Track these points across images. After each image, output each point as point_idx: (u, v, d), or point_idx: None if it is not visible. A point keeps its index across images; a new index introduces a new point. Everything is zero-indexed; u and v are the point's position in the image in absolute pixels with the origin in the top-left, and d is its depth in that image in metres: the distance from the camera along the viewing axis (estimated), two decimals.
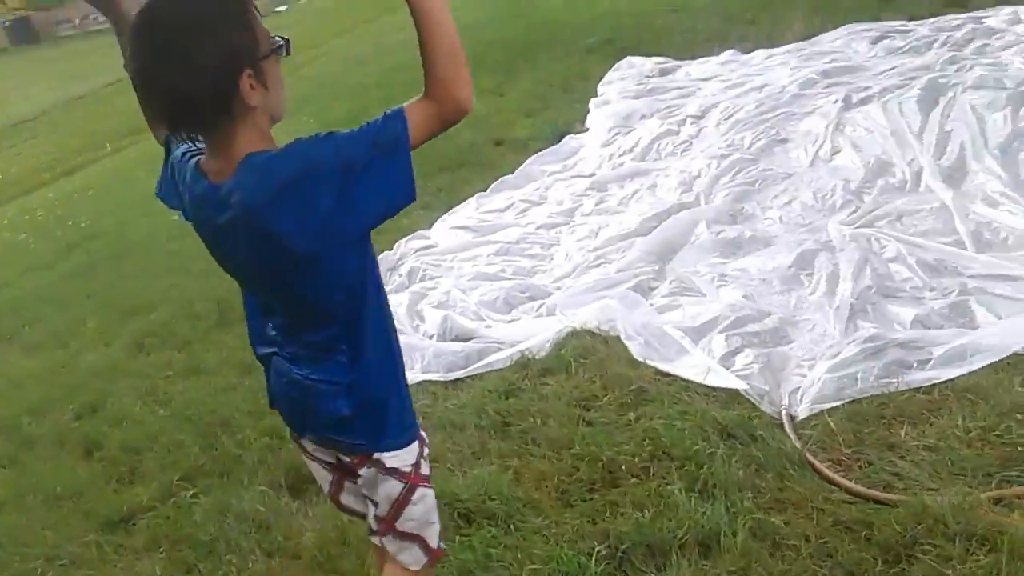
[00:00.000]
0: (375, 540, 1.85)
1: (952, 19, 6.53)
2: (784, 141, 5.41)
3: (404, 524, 1.77)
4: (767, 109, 6.12)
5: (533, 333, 3.66)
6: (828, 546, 2.28)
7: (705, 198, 4.84)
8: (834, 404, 2.86)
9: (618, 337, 3.47)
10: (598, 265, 4.26)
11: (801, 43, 7.62)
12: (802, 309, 3.49)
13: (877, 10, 7.46)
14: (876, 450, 2.63)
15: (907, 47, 6.21)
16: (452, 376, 3.53)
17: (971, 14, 6.50)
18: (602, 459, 2.73)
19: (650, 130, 6.24)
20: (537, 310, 3.94)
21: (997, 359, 2.86)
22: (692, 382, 3.03)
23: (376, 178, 1.46)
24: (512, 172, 5.90)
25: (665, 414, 2.87)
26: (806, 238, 4.00)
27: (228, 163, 1.51)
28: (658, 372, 3.15)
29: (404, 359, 1.80)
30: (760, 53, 7.75)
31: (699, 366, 3.12)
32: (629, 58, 8.27)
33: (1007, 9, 6.30)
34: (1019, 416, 2.61)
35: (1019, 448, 2.49)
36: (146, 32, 1.45)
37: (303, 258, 1.54)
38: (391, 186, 1.48)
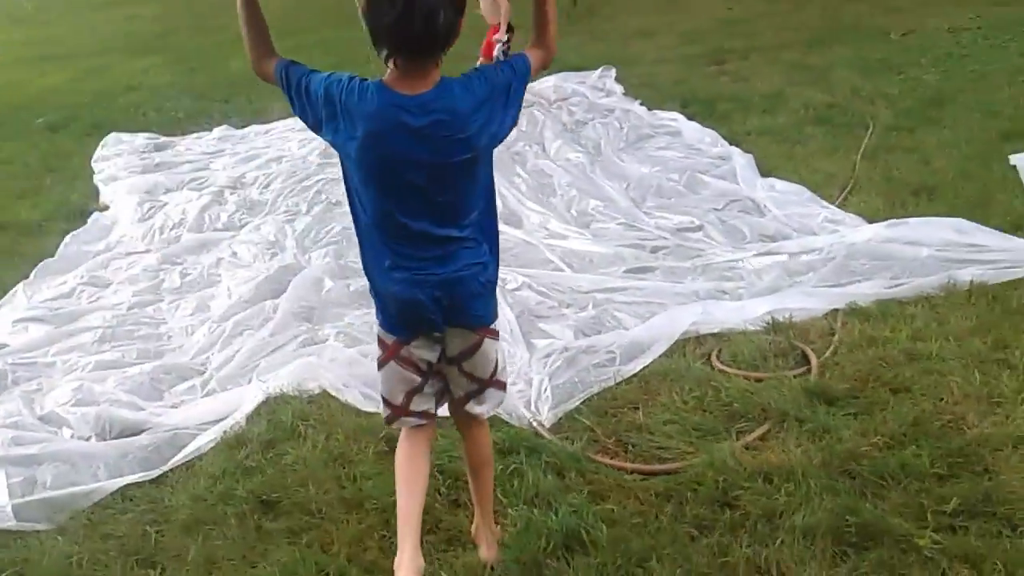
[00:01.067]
0: (467, 410, 2.33)
1: None
2: (338, 203, 5.61)
3: (501, 375, 2.33)
4: (303, 176, 6.33)
5: (228, 410, 3.32)
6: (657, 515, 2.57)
7: (303, 257, 4.86)
8: (571, 406, 3.18)
9: (326, 392, 3.35)
10: (241, 333, 4.00)
11: (288, 119, 7.93)
12: None
13: None
14: (631, 433, 3.01)
15: None
16: (155, 473, 3.02)
17: None
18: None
19: (188, 200, 5.97)
20: (204, 388, 3.57)
21: (669, 344, 3.48)
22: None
23: (515, 97, 2.11)
24: (51, 256, 5.15)
25: (440, 447, 2.88)
26: None
27: (425, 83, 2.00)
28: None
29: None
30: (254, 128, 7.89)
31: None
32: (115, 134, 7.74)
33: None
34: (712, 383, 3.23)
35: (729, 406, 3.09)
36: None
37: (480, 154, 2.07)
38: (518, 105, 2.13)
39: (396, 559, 2.16)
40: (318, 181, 6.18)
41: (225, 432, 3.19)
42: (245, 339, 3.95)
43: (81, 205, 6.09)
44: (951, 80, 7.09)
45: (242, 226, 5.54)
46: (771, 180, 5.31)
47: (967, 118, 6.08)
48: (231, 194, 6.15)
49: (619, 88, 7.95)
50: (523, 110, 2.23)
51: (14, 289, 4.71)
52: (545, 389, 3.28)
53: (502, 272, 2.63)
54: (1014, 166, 5.01)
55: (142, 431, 3.27)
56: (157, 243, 5.38)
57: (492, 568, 2.42)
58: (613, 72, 8.41)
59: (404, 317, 2.19)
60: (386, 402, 2.30)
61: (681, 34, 10.27)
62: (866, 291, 3.77)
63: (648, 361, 3.40)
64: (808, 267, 4.15)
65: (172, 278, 4.78)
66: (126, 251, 5.25)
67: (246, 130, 7.91)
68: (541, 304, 4.10)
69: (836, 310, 3.70)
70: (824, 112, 6.66)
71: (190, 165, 6.98)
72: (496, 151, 2.14)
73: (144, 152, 7.38)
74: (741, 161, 5.55)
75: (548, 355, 3.50)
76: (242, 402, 3.36)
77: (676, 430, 3.00)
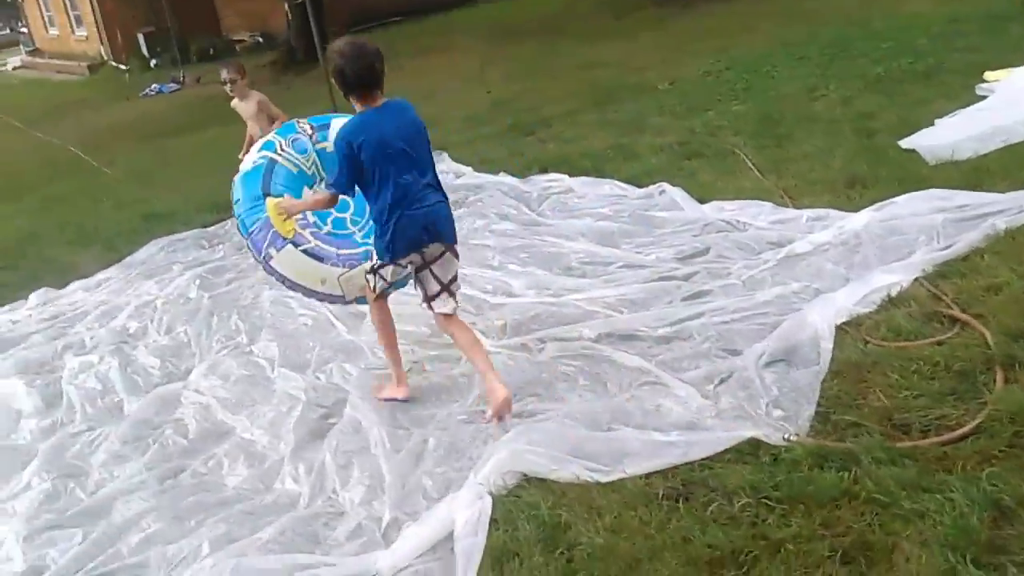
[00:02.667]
0: (431, 304, 3.78)
1: None
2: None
3: (454, 285, 3.77)
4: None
5: (442, 531, 2.81)
6: None
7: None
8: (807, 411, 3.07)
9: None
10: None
11: (112, 268, 7.05)
12: None
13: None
14: (893, 417, 2.96)
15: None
16: None
17: None
18: None
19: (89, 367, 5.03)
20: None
21: (831, 338, 3.50)
22: None
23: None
24: None
25: None
26: None
27: (377, 103, 3.59)
28: None
29: None
30: (76, 284, 6.86)
31: None
32: None
33: None
34: (909, 358, 3.28)
35: (948, 369, 3.16)
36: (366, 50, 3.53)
37: (422, 131, 3.69)
38: None
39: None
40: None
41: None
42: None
43: None
44: (762, 106, 7.91)
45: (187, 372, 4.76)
46: (714, 203, 5.55)
47: (815, 127, 6.81)
48: (131, 348, 5.27)
49: (465, 169, 7.93)
50: None
51: None
52: (767, 404, 3.14)
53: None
54: (910, 149, 5.67)
55: None
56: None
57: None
58: (445, 155, 8.38)
59: (413, 241, 3.64)
60: (385, 282, 3.84)
61: (463, 119, 10.49)
62: (932, 258, 4.04)
63: (828, 357, 3.37)
64: (843, 256, 4.37)
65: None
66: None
67: (68, 289, 6.83)
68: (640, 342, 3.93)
69: (918, 279, 3.92)
70: (684, 149, 7.11)
71: (40, 336, 5.86)
72: None
73: None
74: (678, 192, 5.74)
75: (729, 376, 3.35)
76: (454, 517, 2.85)
77: (931, 400, 2.99)
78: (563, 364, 3.88)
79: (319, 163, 4.53)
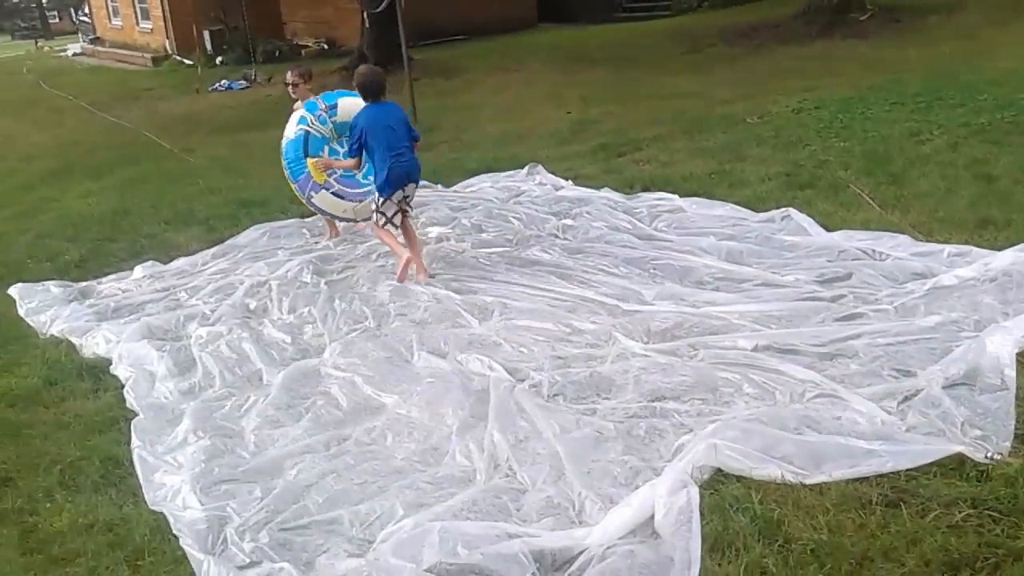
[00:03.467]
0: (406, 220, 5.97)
1: None
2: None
3: (407, 204, 5.93)
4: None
5: (643, 514, 2.81)
6: None
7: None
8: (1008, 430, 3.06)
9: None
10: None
11: (216, 248, 7.13)
12: None
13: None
14: None
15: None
16: None
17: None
18: None
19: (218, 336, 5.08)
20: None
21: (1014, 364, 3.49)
22: None
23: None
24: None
25: None
26: None
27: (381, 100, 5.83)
28: None
29: None
30: (183, 261, 6.92)
31: None
32: (24, 286, 6.36)
33: None
34: None
35: None
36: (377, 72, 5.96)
37: (404, 116, 5.95)
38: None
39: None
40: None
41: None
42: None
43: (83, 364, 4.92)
44: (866, 144, 7.93)
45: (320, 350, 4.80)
46: (843, 232, 5.57)
47: (927, 169, 6.83)
48: (257, 324, 5.32)
49: (564, 181, 7.99)
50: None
51: None
52: (962, 423, 3.13)
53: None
54: None
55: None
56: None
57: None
58: (540, 167, 8.45)
59: (399, 180, 5.73)
60: (386, 218, 5.83)
61: (548, 136, 10.58)
62: None
63: (1013, 382, 3.37)
64: (997, 292, 4.37)
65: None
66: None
67: (174, 264, 6.89)
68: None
69: None
70: (793, 179, 7.15)
71: (156, 305, 5.92)
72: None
73: (76, 299, 6.15)
74: (804, 218, 5.76)
75: (913, 394, 3.35)
76: (656, 502, 2.85)
77: None
78: (722, 371, 3.89)
79: (333, 130, 6.76)
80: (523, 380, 4.10)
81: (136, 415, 4.18)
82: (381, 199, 5.79)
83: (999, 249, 4.88)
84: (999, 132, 7.69)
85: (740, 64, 14.19)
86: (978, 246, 5.05)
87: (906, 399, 3.40)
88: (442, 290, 5.46)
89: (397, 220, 5.90)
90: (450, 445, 3.58)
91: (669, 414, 3.57)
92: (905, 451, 3.00)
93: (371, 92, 5.75)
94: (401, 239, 5.95)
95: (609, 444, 3.40)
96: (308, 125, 6.72)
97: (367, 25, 16.53)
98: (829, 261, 5.13)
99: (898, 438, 3.12)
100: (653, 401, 3.71)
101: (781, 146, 8.44)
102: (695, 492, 2.86)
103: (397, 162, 5.70)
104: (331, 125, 6.74)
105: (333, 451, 3.65)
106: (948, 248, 5.02)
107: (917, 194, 6.29)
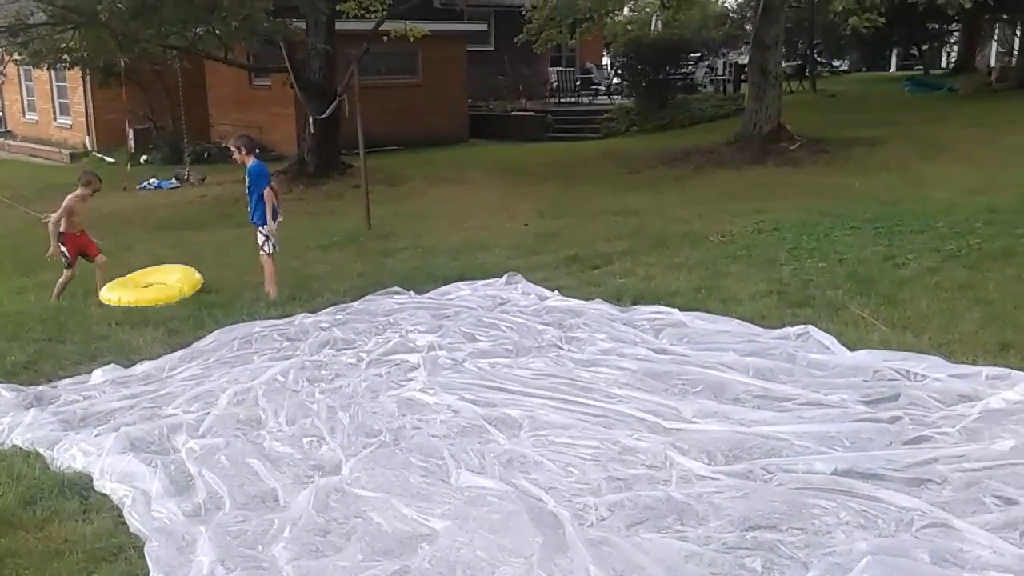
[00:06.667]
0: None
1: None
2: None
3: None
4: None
5: None
6: None
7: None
8: None
9: None
10: None
11: (181, 351, 6.62)
12: None
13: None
14: None
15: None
16: None
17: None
18: None
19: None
20: None
21: None
22: None
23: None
24: None
25: None
26: None
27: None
28: None
29: None
30: (148, 365, 6.34)
31: None
32: None
33: None
34: None
35: None
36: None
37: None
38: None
39: None
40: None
41: None
42: None
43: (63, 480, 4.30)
44: (844, 266, 8.01)
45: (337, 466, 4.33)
46: (869, 351, 5.47)
47: (917, 292, 6.89)
48: (255, 436, 4.81)
49: (549, 292, 7.77)
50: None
51: None
52: None
53: None
54: None
55: None
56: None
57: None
58: (520, 277, 8.23)
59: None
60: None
61: (511, 247, 10.41)
62: None
63: None
64: None
65: None
66: None
67: (138, 368, 6.30)
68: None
69: None
70: (785, 298, 7.11)
71: (128, 414, 5.32)
72: None
73: (33, 405, 5.49)
74: (825, 336, 5.65)
75: None
76: None
77: None
78: (810, 497, 3.61)
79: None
80: (583, 506, 3.73)
81: (143, 542, 3.62)
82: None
83: None
84: (972, 258, 7.89)
85: (685, 184, 14.51)
86: (1008, 367, 5.00)
87: None
88: (458, 401, 5.08)
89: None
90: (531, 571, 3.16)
91: (774, 546, 3.25)
92: None
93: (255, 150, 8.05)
94: None
95: None
96: None
97: (311, 131, 16.32)
98: (866, 381, 4.99)
99: None
100: (747, 530, 3.39)
101: (757, 264, 8.46)
102: None
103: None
104: None
105: None
106: (985, 370, 4.94)
107: (920, 316, 6.30)
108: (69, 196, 8.58)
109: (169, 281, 8.63)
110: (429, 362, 5.83)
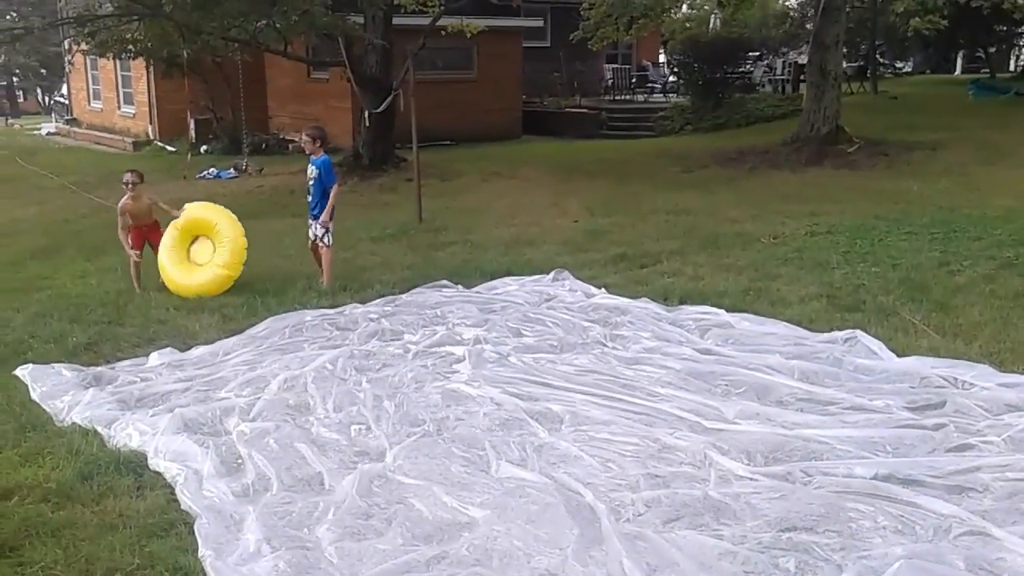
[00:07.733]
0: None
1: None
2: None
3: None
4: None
5: None
6: None
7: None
8: None
9: None
10: None
11: (235, 337, 6.78)
12: None
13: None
14: None
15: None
16: None
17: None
18: None
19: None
20: None
21: None
22: None
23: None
24: None
25: None
26: None
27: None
28: None
29: None
30: (203, 349, 6.52)
31: None
32: (35, 368, 5.89)
33: None
34: None
35: None
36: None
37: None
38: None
39: None
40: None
41: None
42: None
43: (119, 457, 4.47)
44: (898, 272, 7.91)
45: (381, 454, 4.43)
46: (917, 358, 5.41)
47: (972, 299, 6.78)
48: (303, 421, 4.94)
49: (595, 289, 7.80)
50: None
51: None
52: None
53: None
54: None
55: None
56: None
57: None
58: (567, 274, 8.27)
59: None
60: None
61: (561, 243, 10.45)
62: None
63: None
64: None
65: None
66: None
67: (193, 352, 6.48)
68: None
69: None
70: (836, 302, 7.04)
71: (183, 396, 5.49)
72: None
73: (92, 384, 5.70)
74: (873, 341, 5.61)
75: None
76: None
77: None
78: (848, 501, 3.61)
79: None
80: (620, 501, 3.78)
81: (194, 519, 3.75)
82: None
83: None
84: None
85: (739, 185, 14.38)
86: None
87: None
88: (501, 394, 5.15)
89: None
90: (573, 572, 3.22)
91: (809, 547, 3.26)
92: None
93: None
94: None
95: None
96: None
97: (367, 125, 16.51)
98: (912, 388, 4.95)
99: None
100: (783, 531, 3.41)
101: (808, 267, 8.39)
102: None
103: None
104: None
105: (435, 572, 3.26)
106: None
107: (972, 323, 6.20)
108: (121, 200, 8.88)
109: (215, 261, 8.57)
110: (474, 355, 5.91)
